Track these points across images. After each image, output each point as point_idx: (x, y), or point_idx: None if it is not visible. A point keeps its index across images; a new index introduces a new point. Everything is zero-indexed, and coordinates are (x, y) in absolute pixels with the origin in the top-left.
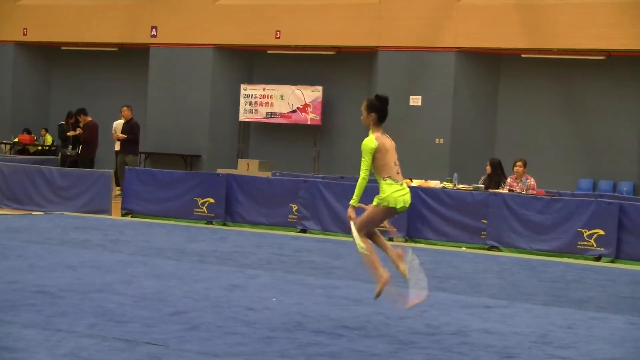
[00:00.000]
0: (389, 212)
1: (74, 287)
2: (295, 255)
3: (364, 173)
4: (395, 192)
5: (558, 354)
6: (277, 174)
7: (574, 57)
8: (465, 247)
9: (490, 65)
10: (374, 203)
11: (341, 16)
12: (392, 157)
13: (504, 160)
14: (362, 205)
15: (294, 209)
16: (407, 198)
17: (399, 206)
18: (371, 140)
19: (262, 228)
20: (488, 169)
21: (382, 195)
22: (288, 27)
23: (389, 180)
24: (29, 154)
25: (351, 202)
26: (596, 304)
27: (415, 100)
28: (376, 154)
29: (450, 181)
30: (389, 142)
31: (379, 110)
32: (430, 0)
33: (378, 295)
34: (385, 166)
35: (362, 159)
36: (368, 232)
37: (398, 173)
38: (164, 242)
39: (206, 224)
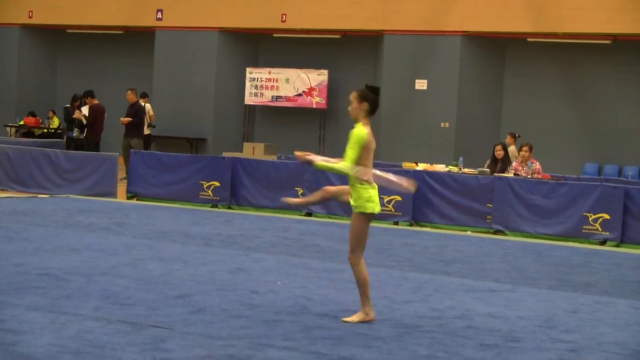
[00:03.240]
0: (370, 218)
1: (79, 270)
2: (300, 239)
3: (349, 162)
4: (372, 195)
5: (562, 338)
6: (283, 157)
7: (579, 41)
8: (471, 231)
9: (496, 49)
10: (359, 210)
11: (347, 0)
12: (371, 159)
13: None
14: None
15: (299, 193)
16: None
17: (377, 210)
18: (364, 133)
19: (267, 211)
20: (501, 152)
21: (358, 201)
22: (294, 10)
23: (365, 184)
24: (34, 136)
25: (318, 161)
26: (601, 288)
27: (421, 84)
28: (363, 150)
29: (456, 165)
30: (374, 142)
31: (372, 101)
32: None
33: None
34: (366, 168)
35: (350, 149)
36: (362, 250)
37: (372, 176)
38: (169, 225)
39: (211, 207)
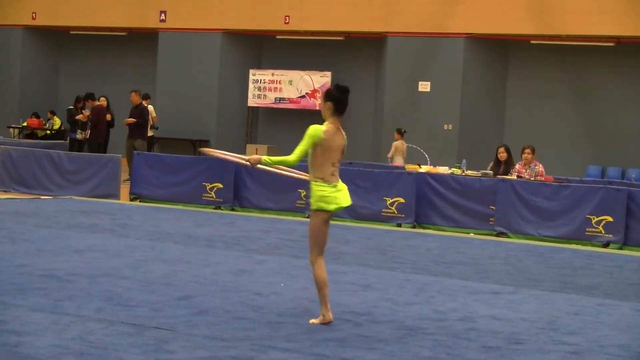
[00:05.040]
0: (324, 216)
1: (82, 271)
2: (302, 241)
3: (295, 156)
4: (327, 193)
5: (565, 340)
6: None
7: (582, 44)
8: (473, 233)
9: (499, 51)
10: (312, 208)
11: (350, 2)
12: (333, 157)
13: (512, 146)
14: (266, 168)
15: (302, 195)
16: (342, 198)
17: (331, 208)
18: (318, 129)
19: (270, 213)
20: (504, 155)
21: (312, 198)
22: (297, 12)
23: (319, 182)
24: (37, 138)
25: (264, 157)
26: (604, 290)
27: (424, 86)
28: (317, 147)
29: (459, 167)
30: (338, 141)
31: (336, 100)
32: None
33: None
34: (321, 166)
35: (301, 141)
36: (320, 250)
37: (333, 175)
38: (172, 227)
39: (214, 209)
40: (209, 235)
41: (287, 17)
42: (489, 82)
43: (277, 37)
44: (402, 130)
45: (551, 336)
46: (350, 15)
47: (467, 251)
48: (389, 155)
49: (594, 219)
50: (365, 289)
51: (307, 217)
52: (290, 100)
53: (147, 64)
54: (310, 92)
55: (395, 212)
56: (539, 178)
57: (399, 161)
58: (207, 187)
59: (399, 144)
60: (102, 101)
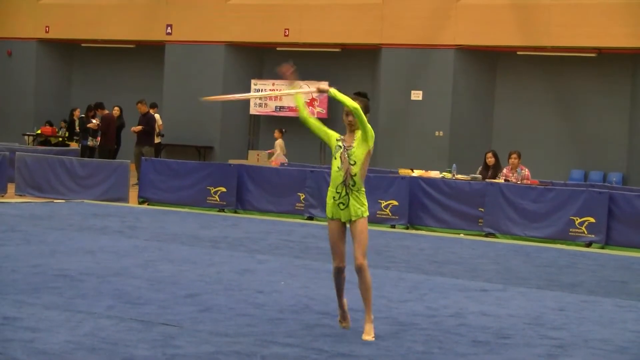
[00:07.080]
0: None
1: (93, 271)
2: (302, 242)
3: (354, 106)
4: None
5: (550, 335)
6: (286, 164)
7: (566, 55)
8: (464, 234)
9: (487, 62)
10: (365, 214)
11: (346, 15)
12: None
13: (500, 151)
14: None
15: (302, 198)
16: None
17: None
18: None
19: (271, 215)
20: (492, 160)
21: (364, 206)
22: (296, 25)
23: (363, 190)
24: (50, 145)
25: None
26: (587, 287)
27: (417, 95)
28: (367, 155)
29: (449, 172)
30: None
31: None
32: (431, 0)
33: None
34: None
35: (366, 121)
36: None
37: None
38: (179, 229)
39: (218, 211)
40: (213, 236)
41: (286, 30)
42: (478, 91)
43: (278, 48)
44: (283, 130)
45: (537, 331)
46: (347, 28)
47: (458, 251)
48: (274, 153)
49: (577, 220)
50: None
51: (306, 219)
52: (290, 109)
53: (154, 75)
54: (308, 101)
55: (390, 214)
56: (525, 182)
57: (281, 158)
58: (212, 191)
59: (281, 142)
60: (116, 111)
